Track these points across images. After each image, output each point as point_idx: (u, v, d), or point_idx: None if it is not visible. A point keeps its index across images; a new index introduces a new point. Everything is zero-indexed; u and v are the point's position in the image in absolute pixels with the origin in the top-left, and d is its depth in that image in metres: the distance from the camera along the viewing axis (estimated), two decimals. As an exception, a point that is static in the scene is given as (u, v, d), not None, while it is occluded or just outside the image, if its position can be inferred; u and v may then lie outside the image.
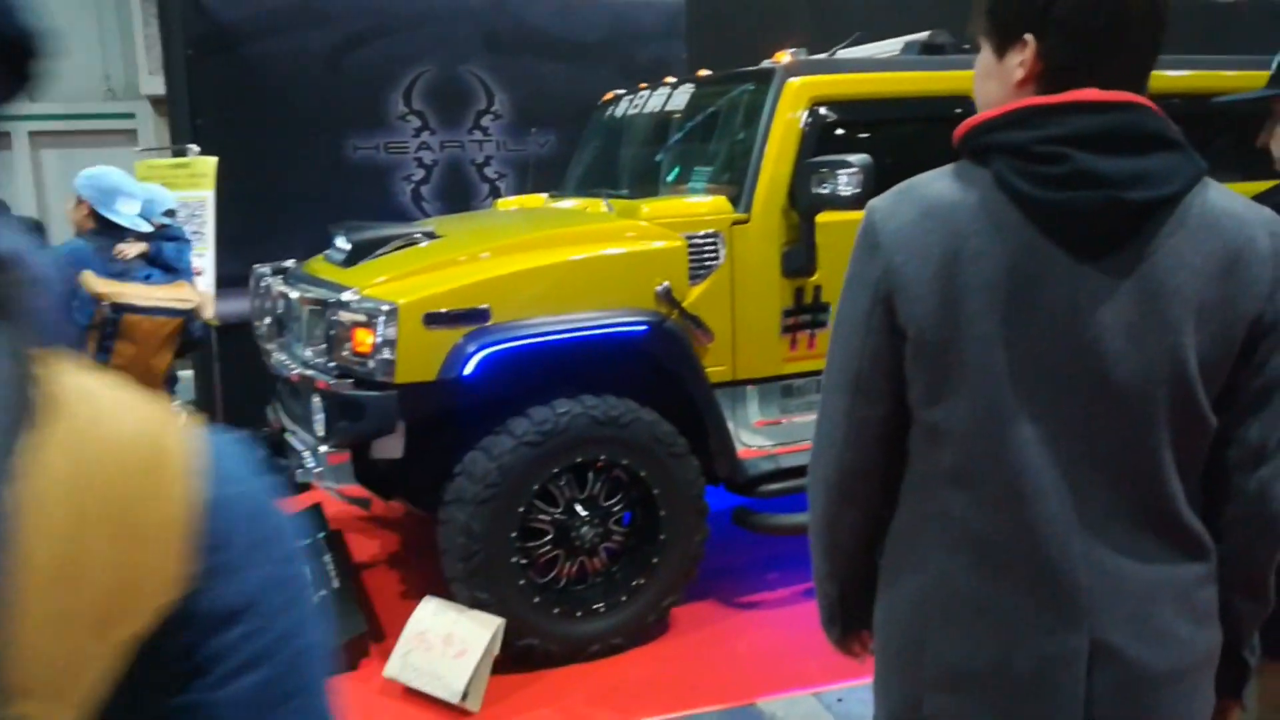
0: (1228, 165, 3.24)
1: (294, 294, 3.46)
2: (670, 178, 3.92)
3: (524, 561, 3.28)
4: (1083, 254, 1.10)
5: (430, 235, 3.59)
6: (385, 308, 3.05)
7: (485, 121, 5.65)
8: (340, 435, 3.16)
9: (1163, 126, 1.11)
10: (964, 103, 3.63)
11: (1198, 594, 1.17)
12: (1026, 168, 1.09)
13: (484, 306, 3.13)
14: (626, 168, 4.29)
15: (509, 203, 4.66)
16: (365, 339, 3.07)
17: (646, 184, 4.03)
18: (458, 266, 3.22)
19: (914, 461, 1.22)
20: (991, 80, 1.19)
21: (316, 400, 3.21)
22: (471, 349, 3.09)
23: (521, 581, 3.25)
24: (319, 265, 3.68)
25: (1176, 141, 1.11)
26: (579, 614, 3.35)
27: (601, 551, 3.41)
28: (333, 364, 3.19)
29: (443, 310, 3.09)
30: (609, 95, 4.63)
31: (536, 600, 3.28)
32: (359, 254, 3.50)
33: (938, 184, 1.16)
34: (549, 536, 3.33)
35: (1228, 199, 1.14)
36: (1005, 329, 1.11)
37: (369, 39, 5.41)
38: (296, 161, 5.31)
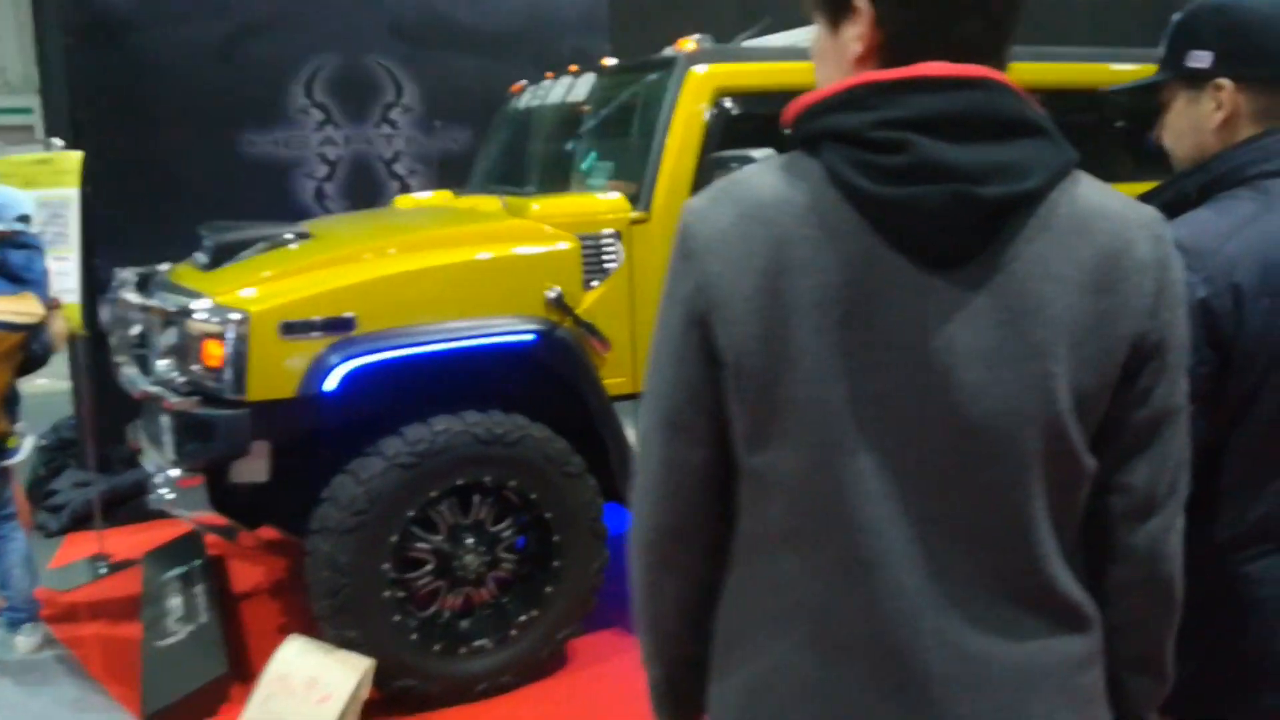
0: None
1: (139, 302, 3.14)
2: (580, 172, 3.65)
3: (401, 595, 3.00)
4: (930, 264, 0.91)
5: (302, 236, 3.29)
6: (235, 317, 2.74)
7: (394, 115, 5.33)
8: (190, 458, 2.86)
9: (1024, 108, 0.92)
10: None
11: (1080, 676, 0.98)
12: (861, 158, 0.90)
13: (349, 315, 2.84)
14: (530, 162, 4.02)
15: (410, 200, 4.36)
16: (215, 351, 2.76)
17: (552, 179, 3.76)
18: (322, 270, 2.92)
19: (743, 518, 1.02)
20: (829, 61, 1.01)
21: (165, 420, 2.90)
22: (334, 361, 2.80)
23: (397, 617, 2.96)
24: (183, 270, 3.36)
25: (1041, 126, 0.93)
26: (463, 650, 3.07)
27: (489, 581, 3.13)
28: (183, 379, 2.88)
29: (301, 319, 2.79)
30: (517, 86, 4.37)
31: (414, 637, 2.99)
32: (221, 257, 3.19)
33: (763, 179, 0.96)
34: (429, 567, 3.04)
35: (1103, 195, 0.95)
36: (840, 357, 0.92)
37: (265, 27, 5.07)
38: (187, 158, 4.96)
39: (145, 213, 4.84)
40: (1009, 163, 0.89)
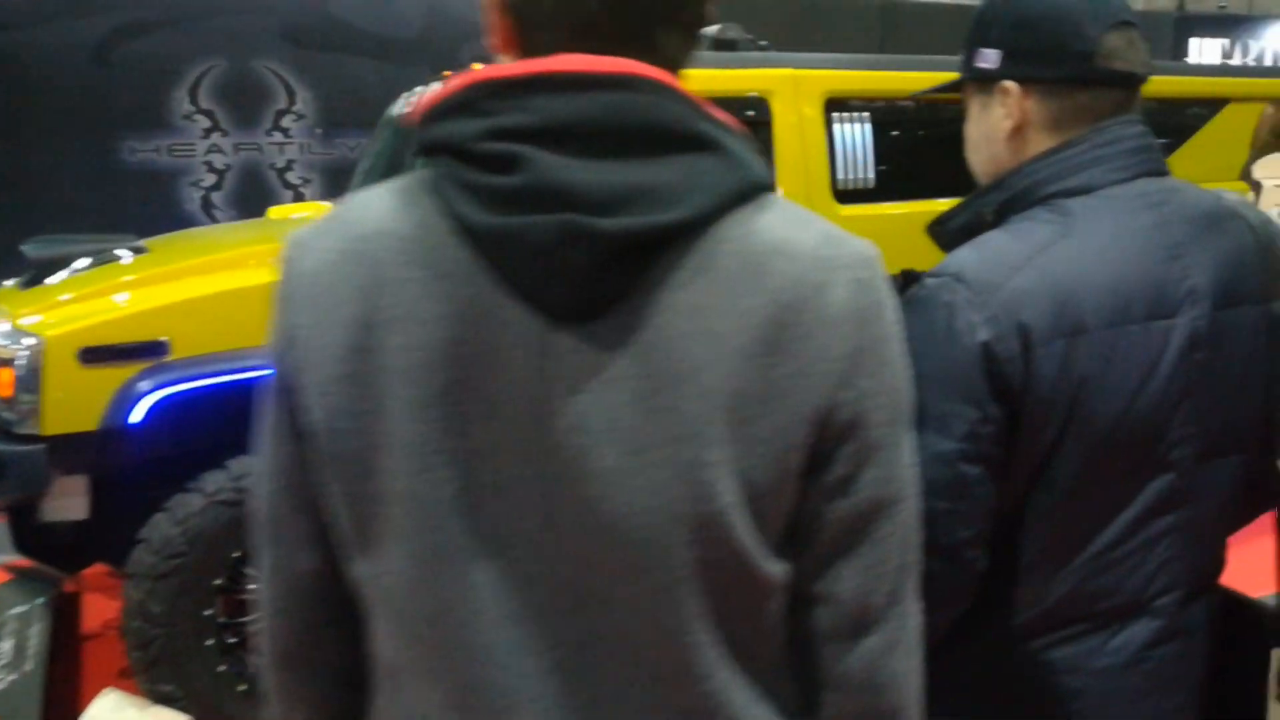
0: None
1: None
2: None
3: (231, 640, 2.76)
4: (556, 316, 0.71)
5: (137, 250, 3.06)
6: (28, 342, 2.51)
7: (286, 122, 5.13)
8: (-17, 497, 2.61)
9: (687, 115, 0.72)
10: (758, 104, 3.27)
11: None
12: (470, 178, 0.71)
13: (161, 339, 2.61)
14: (404, 172, 3.80)
15: (281, 211, 4.14)
16: (6, 380, 2.52)
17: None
18: (137, 290, 2.70)
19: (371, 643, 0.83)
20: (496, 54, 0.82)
21: (-42, 455, 2.65)
22: (142, 390, 2.56)
23: (222, 667, 2.72)
24: (5, 290, 3.12)
25: (710, 139, 0.72)
26: (300, 701, 2.84)
27: (332, 624, 2.90)
28: (-21, 410, 2.63)
29: (105, 344, 2.56)
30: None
31: (242, 689, 2.75)
32: (42, 274, 2.95)
33: (375, 202, 0.77)
34: (263, 610, 2.80)
35: (793, 229, 0.74)
36: (445, 438, 0.72)
37: (147, 29, 4.87)
38: (64, 166, 4.75)
39: (19, 226, 4.58)
40: (651, 186, 0.69)
